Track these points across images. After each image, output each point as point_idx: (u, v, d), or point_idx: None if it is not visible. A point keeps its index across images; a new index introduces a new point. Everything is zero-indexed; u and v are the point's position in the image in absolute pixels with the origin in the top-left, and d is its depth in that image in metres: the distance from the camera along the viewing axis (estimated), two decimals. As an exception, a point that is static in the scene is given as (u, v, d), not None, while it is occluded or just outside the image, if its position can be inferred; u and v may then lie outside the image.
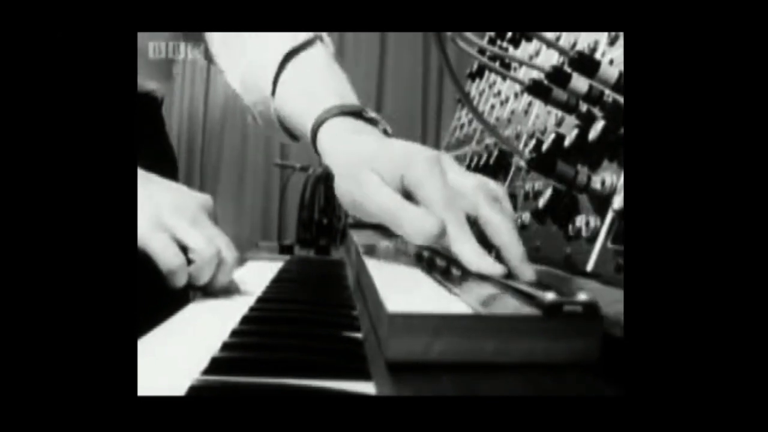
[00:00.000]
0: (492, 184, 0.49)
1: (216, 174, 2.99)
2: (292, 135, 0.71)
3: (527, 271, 0.41)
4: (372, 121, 0.60)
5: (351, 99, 0.62)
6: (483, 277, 0.41)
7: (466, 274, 0.42)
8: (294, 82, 0.67)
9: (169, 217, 0.51)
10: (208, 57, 0.79)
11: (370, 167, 0.48)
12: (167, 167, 0.83)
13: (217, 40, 0.75)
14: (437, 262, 0.49)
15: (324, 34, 0.72)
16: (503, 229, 0.44)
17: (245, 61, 0.71)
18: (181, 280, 0.50)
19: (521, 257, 0.42)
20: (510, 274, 0.41)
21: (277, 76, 0.67)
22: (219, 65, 0.76)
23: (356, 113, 0.59)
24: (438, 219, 0.43)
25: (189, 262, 0.50)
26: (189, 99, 3.01)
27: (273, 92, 0.68)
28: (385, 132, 0.59)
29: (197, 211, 0.53)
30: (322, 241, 0.99)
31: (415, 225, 0.43)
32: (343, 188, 0.50)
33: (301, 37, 0.68)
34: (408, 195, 0.46)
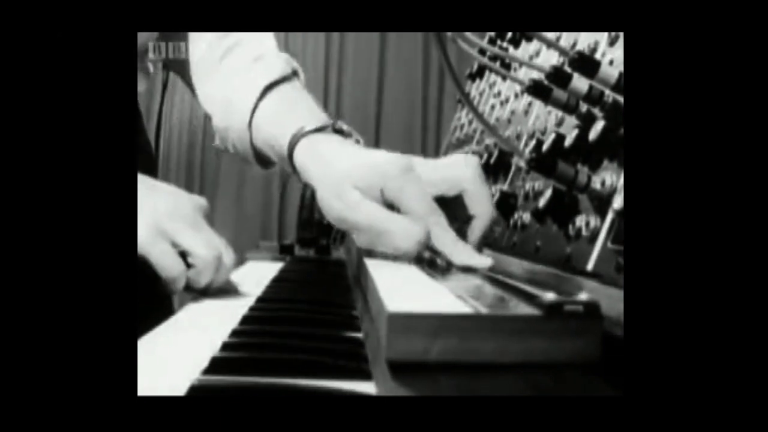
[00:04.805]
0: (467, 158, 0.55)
1: (216, 174, 2.99)
2: (264, 161, 0.74)
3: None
4: (343, 133, 0.63)
5: (321, 117, 0.64)
6: (485, 277, 0.41)
7: (467, 274, 0.42)
8: (269, 111, 0.70)
9: (168, 221, 0.50)
10: (187, 82, 0.81)
11: (350, 183, 0.51)
12: (144, 161, 0.83)
13: (200, 69, 0.78)
14: (438, 261, 0.50)
15: (298, 67, 0.75)
16: (484, 200, 0.52)
17: (225, 93, 0.74)
18: (179, 286, 0.50)
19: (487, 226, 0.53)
20: (495, 267, 0.47)
21: (255, 107, 0.70)
22: (198, 94, 0.79)
23: (327, 128, 0.62)
24: (422, 226, 0.48)
25: (188, 265, 0.50)
26: (189, 99, 3.01)
27: (250, 122, 0.70)
28: (357, 142, 0.64)
29: (195, 214, 0.53)
30: (322, 240, 0.98)
31: (403, 234, 0.48)
32: (327, 205, 0.53)
33: (277, 72, 0.71)
34: (390, 205, 0.50)
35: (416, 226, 0.48)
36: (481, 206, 0.53)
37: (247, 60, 0.74)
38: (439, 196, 0.52)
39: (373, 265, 0.45)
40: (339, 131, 0.64)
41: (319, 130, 0.62)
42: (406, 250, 0.48)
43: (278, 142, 0.65)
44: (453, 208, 0.52)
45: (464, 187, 0.52)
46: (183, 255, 0.50)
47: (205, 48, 0.76)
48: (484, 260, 0.47)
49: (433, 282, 0.40)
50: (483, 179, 0.53)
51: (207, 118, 0.79)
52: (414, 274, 0.44)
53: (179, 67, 0.83)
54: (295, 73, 0.74)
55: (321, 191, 0.55)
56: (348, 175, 0.52)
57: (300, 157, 0.61)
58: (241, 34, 0.76)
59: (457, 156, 0.58)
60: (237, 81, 0.73)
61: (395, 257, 0.49)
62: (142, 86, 0.84)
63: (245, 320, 0.43)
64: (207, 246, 0.51)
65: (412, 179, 0.50)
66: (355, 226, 0.51)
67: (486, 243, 0.56)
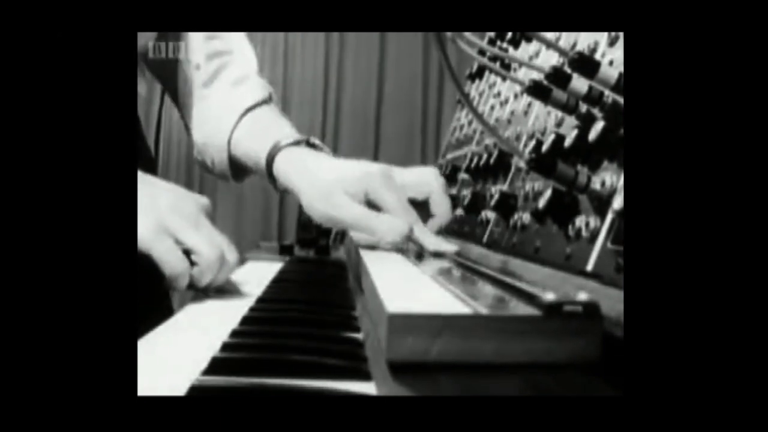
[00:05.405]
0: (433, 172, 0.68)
1: (216, 174, 2.99)
2: (238, 174, 0.83)
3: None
4: (317, 147, 0.72)
5: (294, 134, 0.74)
6: (485, 278, 0.41)
7: (468, 275, 0.42)
8: (248, 129, 0.80)
9: (171, 220, 0.51)
10: (170, 92, 0.89)
11: (339, 188, 0.62)
12: (143, 166, 0.83)
13: (186, 90, 0.86)
14: (410, 248, 0.51)
15: (273, 91, 0.85)
16: (446, 206, 0.66)
17: (209, 114, 0.83)
18: (183, 284, 0.50)
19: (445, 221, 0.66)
20: (460, 253, 0.58)
21: (235, 126, 0.80)
22: (182, 110, 0.87)
23: (302, 142, 0.72)
24: (405, 222, 0.58)
25: (191, 263, 0.50)
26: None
27: (230, 139, 0.80)
28: (329, 154, 0.72)
29: (198, 212, 0.53)
30: (322, 241, 0.98)
31: (389, 228, 0.58)
32: (315, 207, 0.63)
33: (257, 96, 0.82)
34: (371, 205, 0.61)
35: (400, 223, 0.59)
36: (442, 209, 0.66)
37: (230, 82, 0.83)
38: (410, 198, 0.63)
39: (372, 266, 0.45)
40: (312, 145, 0.72)
41: (295, 143, 0.71)
42: (392, 242, 0.58)
43: (257, 154, 0.74)
44: (416, 208, 0.63)
45: (431, 194, 0.65)
46: (186, 253, 0.50)
47: (193, 70, 0.84)
48: (451, 247, 0.59)
49: (433, 283, 0.40)
50: (446, 190, 0.67)
51: (188, 132, 0.88)
52: (414, 274, 0.44)
53: (162, 72, 0.88)
54: (270, 97, 0.84)
55: (306, 195, 0.64)
56: (337, 182, 0.62)
57: (281, 166, 0.70)
58: (227, 57, 0.84)
59: (425, 168, 0.71)
60: (220, 104, 0.82)
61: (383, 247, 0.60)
62: (141, 88, 0.85)
63: (245, 321, 0.43)
64: (210, 244, 0.51)
65: (392, 185, 0.62)
66: (343, 224, 0.62)
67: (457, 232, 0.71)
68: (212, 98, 0.83)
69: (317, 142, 0.73)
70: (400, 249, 0.59)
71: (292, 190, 0.68)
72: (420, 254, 0.58)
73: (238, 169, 0.83)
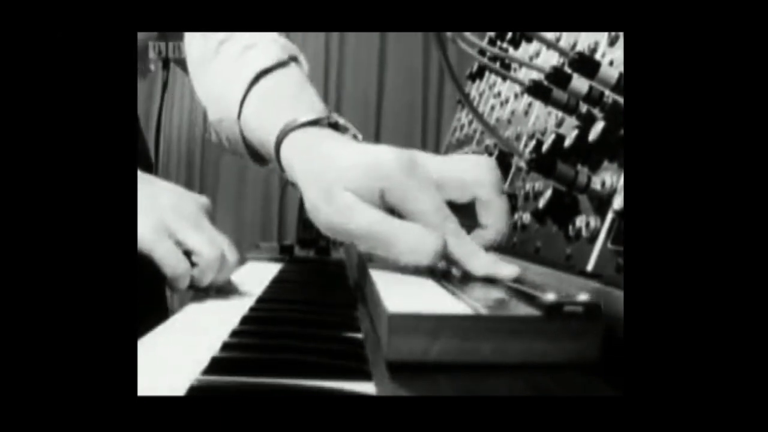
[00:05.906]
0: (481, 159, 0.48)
1: (216, 174, 2.99)
2: (259, 157, 0.67)
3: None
4: (339, 128, 0.55)
5: (316, 108, 0.57)
6: (485, 279, 0.41)
7: (468, 275, 0.42)
8: (260, 100, 0.62)
9: (172, 220, 0.51)
10: (185, 70, 0.77)
11: (342, 185, 0.44)
12: (142, 165, 0.81)
13: (196, 61, 0.73)
14: (453, 271, 0.49)
15: (298, 52, 0.69)
16: (501, 212, 0.46)
17: (217, 84, 0.69)
18: (184, 284, 0.50)
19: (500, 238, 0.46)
20: (518, 277, 0.41)
21: (244, 98, 0.63)
22: (194, 86, 0.75)
23: (321, 121, 0.54)
24: (438, 235, 0.41)
25: (192, 264, 0.50)
26: (189, 98, 3.01)
27: (239, 114, 0.63)
28: (354, 137, 0.55)
29: (198, 212, 0.53)
30: (322, 241, 0.98)
31: (413, 245, 0.41)
32: (316, 210, 0.46)
33: (270, 58, 0.65)
34: (390, 209, 0.44)
35: (431, 235, 0.41)
36: (495, 218, 0.46)
37: (240, 47, 0.67)
38: (449, 200, 0.45)
39: (373, 266, 0.45)
40: (334, 125, 0.54)
41: (312, 123, 0.54)
42: (418, 263, 0.41)
43: (267, 137, 0.56)
44: (458, 213, 0.44)
45: (478, 194, 0.45)
46: (186, 253, 0.50)
47: (201, 39, 0.71)
48: (509, 269, 0.41)
49: (434, 283, 0.39)
50: (502, 188, 0.46)
51: (203, 112, 0.73)
52: (415, 274, 0.44)
53: (180, 61, 0.81)
54: (294, 60, 0.67)
55: (308, 193, 0.47)
56: (340, 175, 0.45)
57: (287, 153, 0.53)
58: None
59: (473, 156, 0.49)
60: (228, 70, 0.66)
61: (402, 268, 0.44)
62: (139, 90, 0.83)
63: (245, 320, 0.43)
64: (210, 245, 0.51)
65: (419, 179, 0.43)
66: (348, 235, 0.44)
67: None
68: (221, 66, 0.67)
69: (341, 121, 0.55)
70: (431, 270, 0.44)
71: (297, 187, 0.50)
72: (464, 279, 0.42)
73: (255, 153, 0.66)
